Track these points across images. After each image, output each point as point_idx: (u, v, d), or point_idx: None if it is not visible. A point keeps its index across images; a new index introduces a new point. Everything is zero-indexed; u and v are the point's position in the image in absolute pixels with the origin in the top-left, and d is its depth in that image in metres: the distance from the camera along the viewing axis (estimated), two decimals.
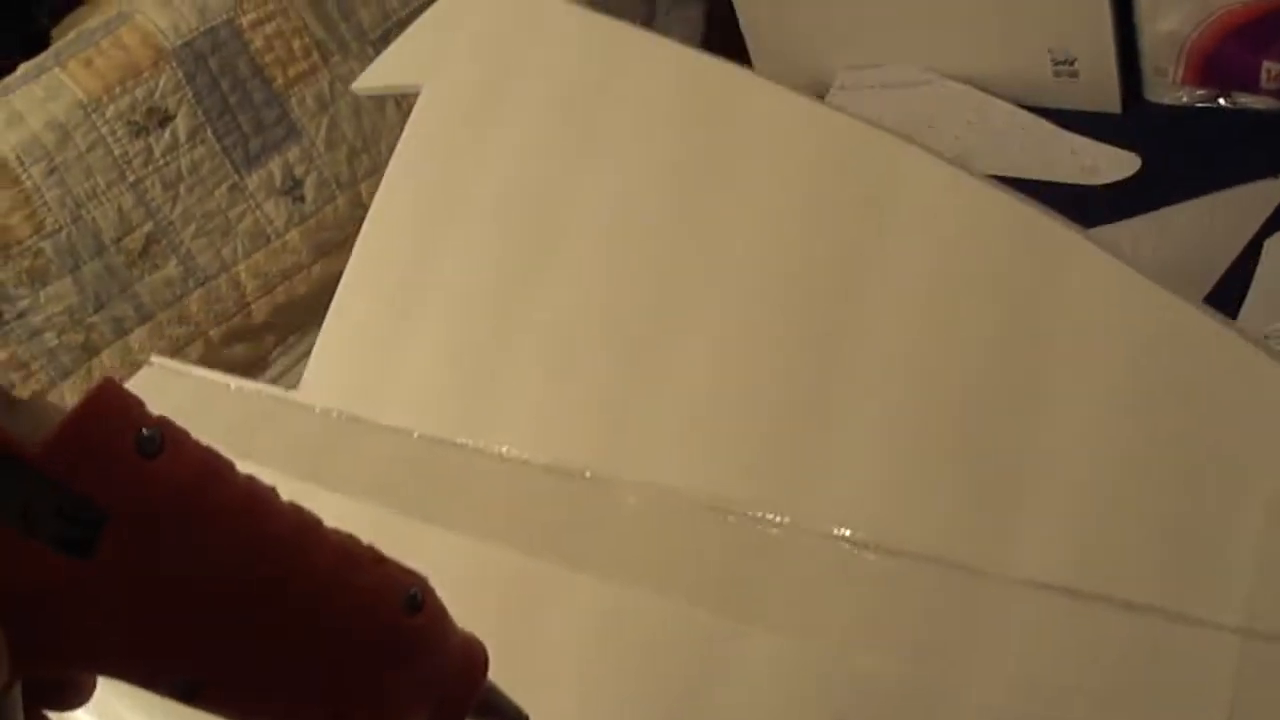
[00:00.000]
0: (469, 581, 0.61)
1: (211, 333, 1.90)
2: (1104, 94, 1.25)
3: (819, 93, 1.43)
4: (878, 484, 0.60)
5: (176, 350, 1.87)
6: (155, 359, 0.94)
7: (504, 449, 0.69)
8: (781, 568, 0.60)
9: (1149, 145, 1.21)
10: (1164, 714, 0.49)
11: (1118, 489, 0.54)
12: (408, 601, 0.40)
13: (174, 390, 0.86)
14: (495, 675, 0.44)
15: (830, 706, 0.55)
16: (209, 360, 1.87)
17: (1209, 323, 0.54)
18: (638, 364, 0.68)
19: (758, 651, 0.58)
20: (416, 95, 0.84)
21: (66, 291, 1.78)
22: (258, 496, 0.37)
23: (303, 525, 0.38)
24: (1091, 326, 0.57)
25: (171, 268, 1.87)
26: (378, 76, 1.00)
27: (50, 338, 1.78)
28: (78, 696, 0.36)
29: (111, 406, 0.34)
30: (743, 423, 0.64)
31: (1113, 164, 1.22)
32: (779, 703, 0.56)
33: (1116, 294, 0.57)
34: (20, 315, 1.75)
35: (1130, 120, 1.26)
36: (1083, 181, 1.21)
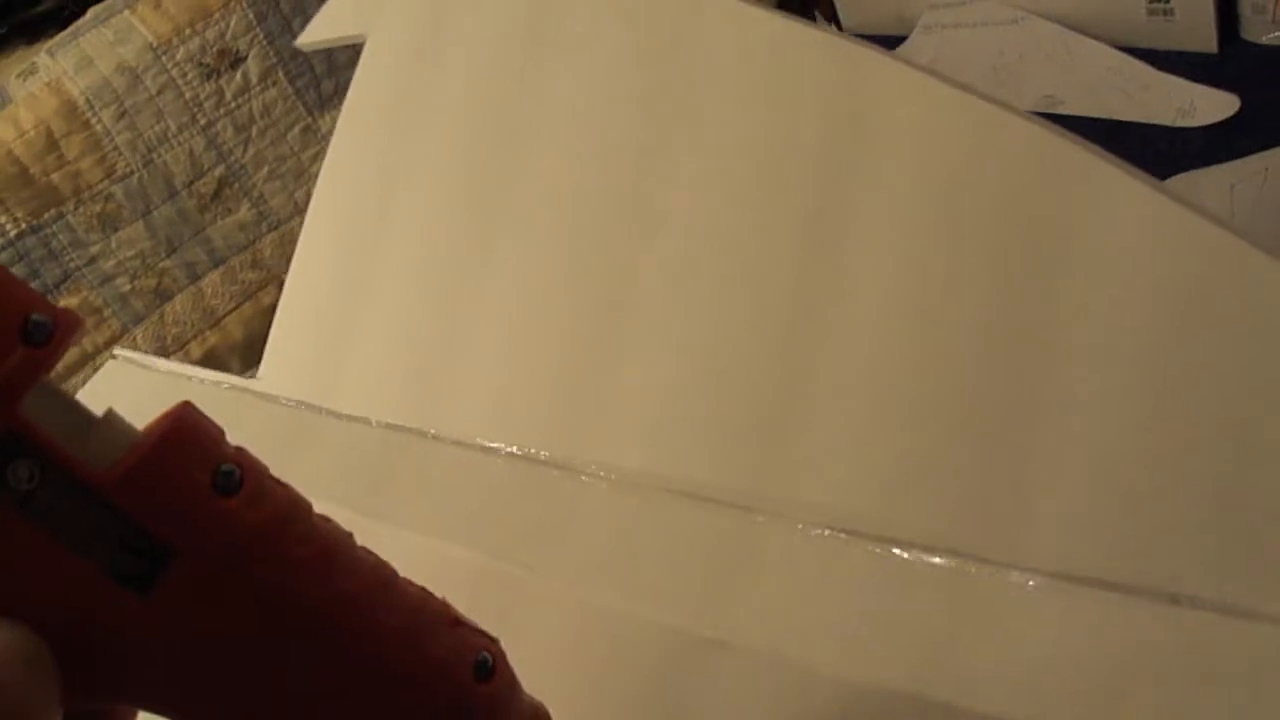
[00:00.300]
0: (433, 580, 0.58)
1: (285, 277, 1.88)
2: (1200, 34, 1.19)
3: (903, 32, 1.38)
4: (869, 464, 0.52)
5: (249, 295, 1.87)
6: (119, 351, 0.91)
7: (465, 436, 0.64)
8: (767, 562, 0.53)
9: (1247, 86, 1.15)
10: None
11: (1150, 462, 0.46)
12: (478, 666, 0.38)
13: (138, 384, 0.83)
14: None
15: None
16: None
17: (1261, 260, 0.45)
18: (602, 337, 0.61)
19: (742, 658, 0.51)
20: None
21: (138, 236, 1.78)
22: (335, 546, 0.35)
23: (378, 581, 0.36)
24: (1117, 267, 0.48)
25: (244, 211, 1.86)
26: (320, 30, 0.94)
27: (122, 283, 1.78)
28: None
29: (191, 436, 0.32)
30: (719, 399, 0.57)
31: (1210, 106, 1.17)
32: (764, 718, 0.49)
33: (1149, 228, 0.48)
34: (91, 261, 1.75)
35: (1227, 60, 1.20)
36: (1179, 124, 1.16)
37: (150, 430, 0.31)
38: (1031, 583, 0.47)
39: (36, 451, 0.27)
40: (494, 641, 0.39)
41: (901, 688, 0.47)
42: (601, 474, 0.59)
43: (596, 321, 0.61)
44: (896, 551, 0.50)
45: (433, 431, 0.66)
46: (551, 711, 0.46)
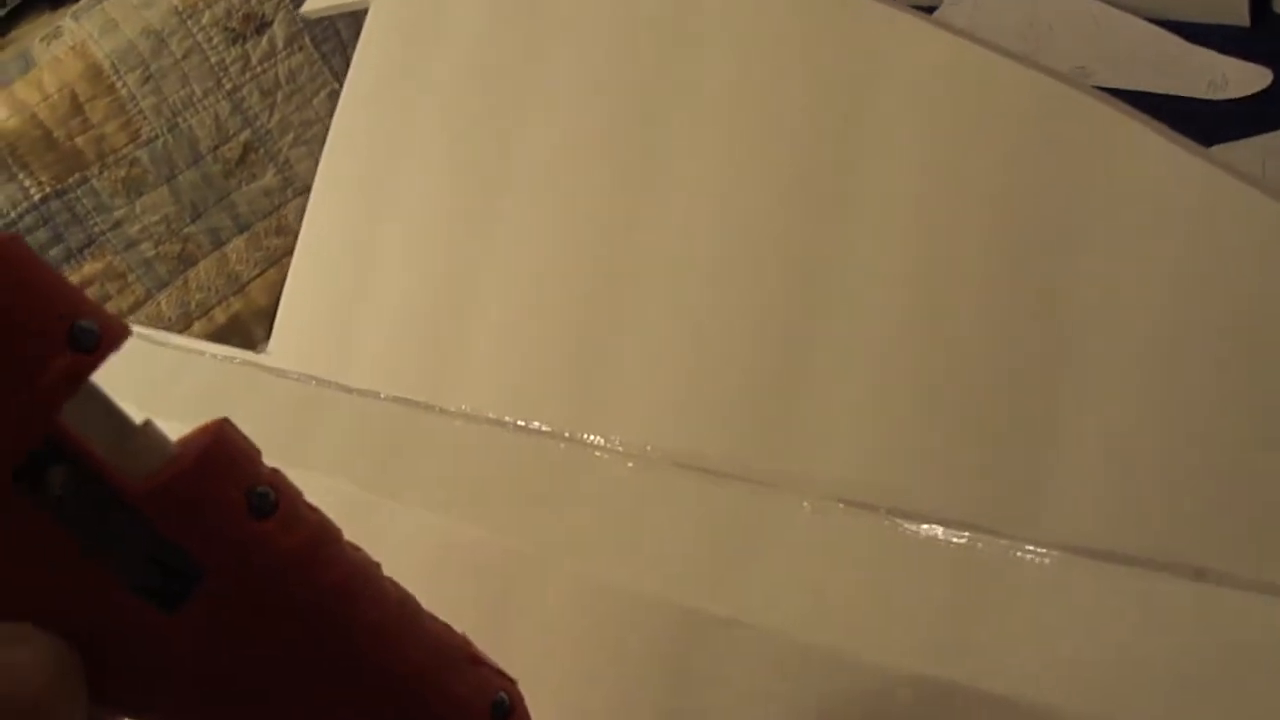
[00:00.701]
0: (440, 556, 0.57)
1: None
2: (1232, 6, 1.18)
3: (933, 3, 1.37)
4: (879, 437, 0.50)
5: (274, 261, 1.87)
6: (132, 326, 0.91)
7: (473, 409, 0.63)
8: (775, 537, 0.51)
9: (1279, 59, 1.14)
10: (1246, 699, 0.41)
11: (1171, 433, 0.44)
12: (495, 707, 0.37)
13: (150, 359, 0.82)
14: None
15: (841, 709, 0.47)
16: None
17: None
18: (610, 310, 0.60)
19: (749, 634, 0.49)
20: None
21: (163, 201, 1.78)
22: (362, 577, 0.34)
23: (404, 613, 0.35)
24: (1138, 228, 0.46)
25: (269, 177, 1.86)
26: None
27: (147, 248, 1.78)
28: None
29: (229, 455, 0.31)
30: (727, 371, 0.55)
31: (1242, 78, 1.16)
32: (775, 707, 0.48)
33: (1172, 186, 0.45)
34: (116, 225, 1.75)
35: (1260, 33, 1.19)
36: (1210, 97, 1.15)
37: (187, 444, 0.30)
38: (1047, 558, 0.46)
39: (74, 458, 0.27)
40: (512, 682, 0.38)
41: (912, 665, 0.46)
42: (609, 447, 0.57)
43: (605, 295, 0.60)
44: (907, 526, 0.49)
45: (441, 405, 0.65)
46: (556, 686, 0.45)
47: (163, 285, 1.78)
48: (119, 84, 1.70)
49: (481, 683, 0.37)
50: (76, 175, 1.71)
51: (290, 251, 1.82)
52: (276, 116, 1.84)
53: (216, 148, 1.80)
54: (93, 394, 0.28)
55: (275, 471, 0.32)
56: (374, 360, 0.70)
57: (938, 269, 0.50)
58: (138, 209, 1.76)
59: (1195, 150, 0.45)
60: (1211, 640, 0.42)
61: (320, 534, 0.33)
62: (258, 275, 1.87)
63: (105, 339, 0.27)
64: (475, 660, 0.37)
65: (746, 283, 0.56)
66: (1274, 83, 1.12)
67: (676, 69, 0.60)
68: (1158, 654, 0.43)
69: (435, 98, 0.72)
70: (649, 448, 0.56)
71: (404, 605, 0.35)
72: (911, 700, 0.45)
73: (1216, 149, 1.07)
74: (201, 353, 0.82)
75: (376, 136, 0.76)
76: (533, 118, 0.65)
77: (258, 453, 0.32)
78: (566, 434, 0.59)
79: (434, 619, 0.36)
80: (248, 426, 0.54)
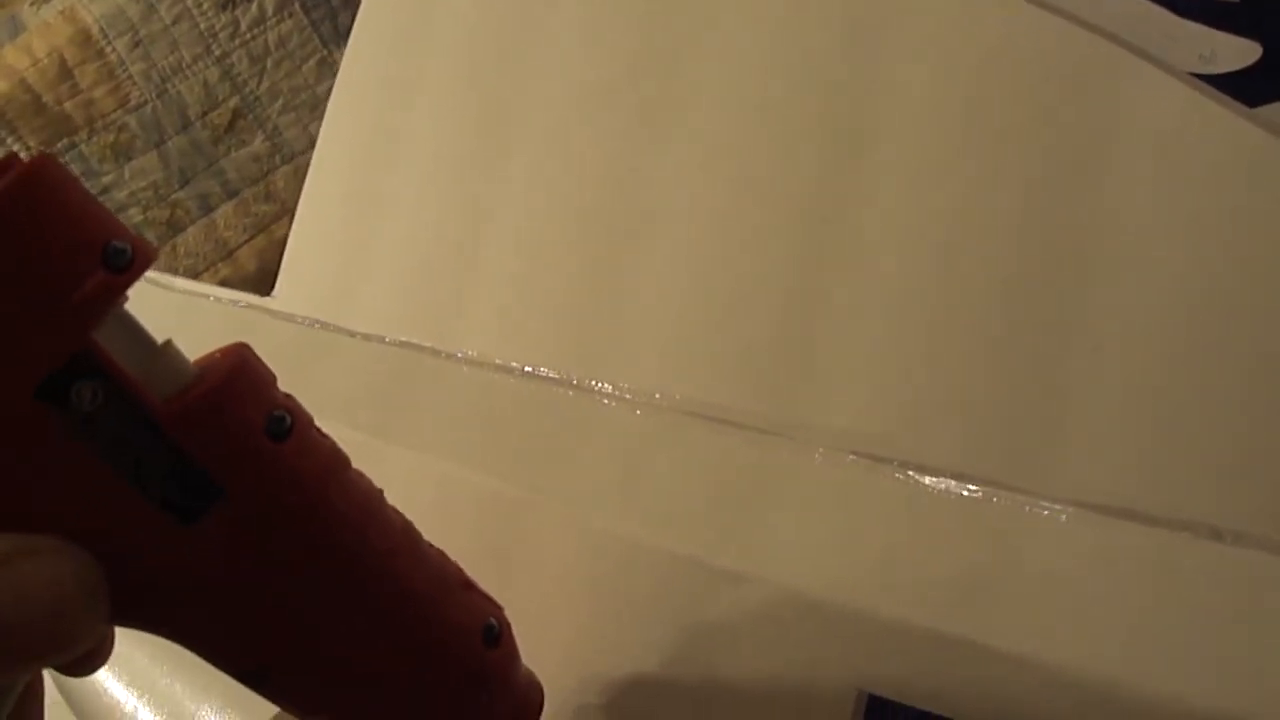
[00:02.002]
0: (443, 502, 0.57)
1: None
2: None
3: None
4: (894, 387, 0.49)
5: (262, 227, 1.86)
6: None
7: (479, 354, 0.62)
8: (786, 488, 0.50)
9: (1269, 33, 1.15)
10: (1262, 660, 0.41)
11: (1192, 388, 0.44)
12: (486, 632, 0.39)
13: (157, 302, 0.82)
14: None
15: (851, 666, 0.46)
16: None
17: None
18: (618, 255, 0.59)
19: (758, 588, 0.49)
20: None
21: (152, 166, 1.77)
22: (370, 503, 0.36)
23: (407, 541, 0.37)
24: (1157, 176, 0.45)
25: (258, 143, 1.86)
26: None
27: (135, 214, 1.78)
28: (101, 659, 0.34)
29: (250, 379, 0.32)
30: (738, 318, 0.54)
31: (1231, 53, 1.17)
32: (781, 659, 0.48)
33: (1192, 133, 0.44)
34: (105, 190, 1.74)
35: (1249, 7, 1.20)
36: (1199, 71, 1.15)
37: (207, 366, 0.31)
38: (1062, 514, 0.45)
39: (104, 374, 0.28)
40: (500, 609, 0.40)
41: (926, 621, 0.45)
42: (617, 394, 0.57)
43: (612, 239, 0.59)
44: (922, 479, 0.48)
45: (446, 350, 0.64)
46: (559, 638, 0.46)
47: None
48: (108, 49, 1.70)
49: (474, 608, 0.39)
50: (65, 140, 1.71)
51: (278, 218, 1.83)
52: (266, 83, 1.83)
53: (205, 114, 1.80)
54: (122, 314, 0.29)
55: (289, 396, 0.33)
56: (380, 305, 0.69)
57: (954, 219, 0.50)
58: (126, 174, 1.76)
59: (1226, 103, 0.45)
60: (1228, 600, 0.42)
61: (333, 460, 0.34)
62: (246, 241, 1.86)
63: (137, 259, 0.28)
64: (468, 586, 0.39)
65: (760, 230, 0.55)
66: (1263, 57, 1.13)
67: (690, 13, 0.59)
68: (1172, 613, 0.43)
69: (446, 41, 0.71)
70: (657, 395, 0.55)
71: (407, 532, 0.37)
72: (923, 655, 0.45)
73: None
74: (207, 296, 0.81)
75: (386, 80, 0.75)
76: (544, 61, 0.65)
77: (274, 377, 0.33)
78: (574, 381, 0.58)
79: (431, 546, 0.38)
80: None
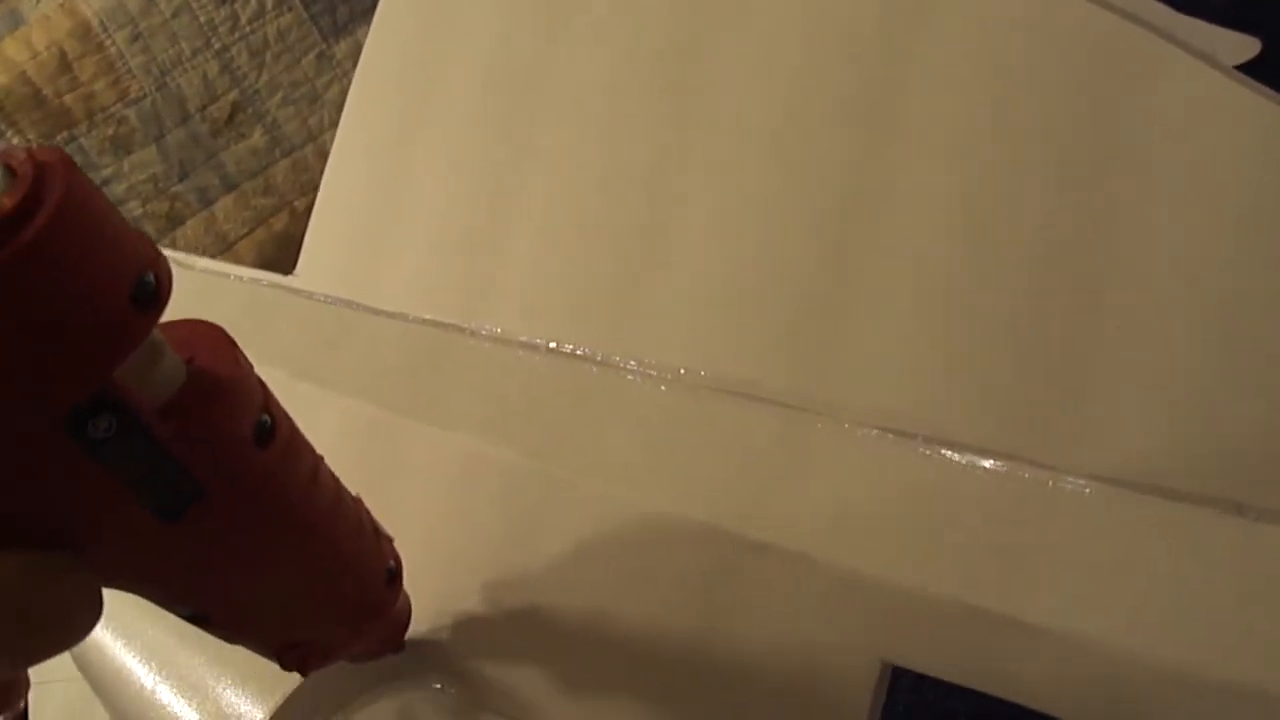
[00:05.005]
0: (468, 478, 0.57)
1: (296, 203, 1.88)
2: None
3: None
4: (920, 363, 0.50)
5: (261, 220, 1.86)
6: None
7: (505, 332, 0.62)
8: (813, 463, 0.50)
9: (1269, 28, 1.14)
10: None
11: (1217, 364, 0.44)
12: (388, 574, 0.45)
13: (177, 284, 0.82)
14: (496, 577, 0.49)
15: (875, 639, 0.46)
16: (294, 231, 1.86)
17: None
18: (645, 232, 0.59)
19: (785, 561, 0.49)
20: None
21: (151, 160, 1.77)
22: (319, 476, 0.38)
23: (338, 495, 0.40)
24: (1184, 156, 0.45)
25: (257, 137, 1.85)
26: None
27: (134, 207, 1.77)
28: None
29: (240, 389, 0.33)
30: (765, 294, 0.54)
31: (1231, 48, 1.16)
32: (806, 632, 0.48)
33: (1220, 116, 0.44)
34: (104, 184, 1.74)
35: (1249, 3, 1.19)
36: None
37: (200, 372, 0.32)
38: (1087, 489, 0.45)
39: (120, 408, 0.28)
40: (397, 554, 0.46)
41: (949, 594, 0.45)
42: (643, 371, 0.57)
43: (640, 215, 0.59)
44: (948, 454, 0.48)
45: (472, 327, 0.64)
46: (584, 609, 0.47)
47: None
48: (108, 42, 1.69)
49: (381, 553, 0.44)
50: (65, 133, 1.71)
51: (277, 211, 1.83)
52: (265, 77, 1.83)
53: (205, 107, 1.79)
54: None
55: (268, 394, 0.35)
56: (405, 282, 0.69)
57: (985, 196, 0.50)
58: (126, 167, 1.75)
59: (1258, 89, 0.45)
60: (1251, 575, 0.42)
61: (300, 456, 0.37)
62: (245, 235, 1.86)
63: (161, 291, 0.28)
64: (377, 533, 0.44)
65: (788, 207, 0.55)
66: (1264, 52, 1.13)
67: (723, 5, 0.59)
68: (1196, 587, 0.43)
69: (475, 17, 0.70)
70: (683, 371, 0.55)
71: (338, 494, 0.40)
72: (947, 627, 0.45)
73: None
74: (228, 275, 0.81)
75: (412, 57, 0.75)
76: (576, 39, 0.64)
77: (263, 383, 0.35)
78: (600, 357, 0.58)
79: (350, 495, 0.42)
80: (275, 348, 0.55)
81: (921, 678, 0.46)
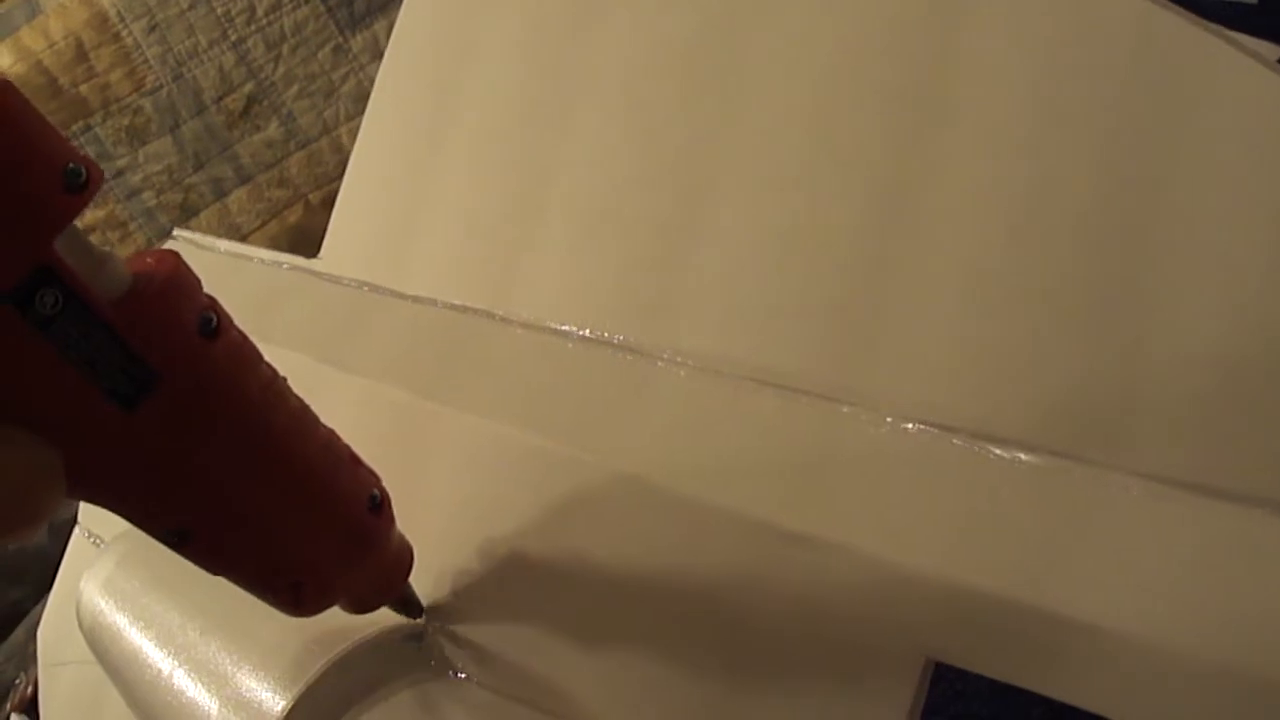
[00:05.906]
0: (496, 465, 0.57)
1: (311, 196, 1.88)
2: None
3: None
4: (962, 356, 0.49)
5: (275, 213, 1.86)
6: (178, 232, 0.91)
7: (535, 318, 0.61)
8: (852, 456, 0.50)
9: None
10: None
11: (1267, 364, 0.43)
12: (371, 500, 0.46)
13: (198, 264, 0.82)
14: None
15: (918, 634, 0.45)
16: (308, 224, 1.86)
17: None
18: (680, 217, 0.57)
19: (823, 553, 0.48)
20: None
21: (166, 150, 1.77)
22: (277, 387, 0.41)
23: (306, 419, 0.43)
24: (1233, 153, 0.44)
25: (273, 129, 1.85)
26: None
27: (149, 197, 1.77)
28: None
29: (183, 283, 0.37)
30: (803, 283, 0.53)
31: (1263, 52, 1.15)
32: (855, 629, 0.47)
33: (1270, 112, 0.43)
34: (119, 174, 1.74)
35: (1267, 9, 1.19)
36: None
37: (142, 272, 0.36)
38: (1134, 487, 0.44)
39: (62, 282, 0.32)
40: (382, 484, 0.47)
41: (993, 590, 0.44)
42: (678, 359, 0.55)
43: (676, 201, 0.58)
44: (990, 449, 0.47)
45: (501, 313, 0.63)
46: (614, 601, 0.47)
47: (164, 234, 1.77)
48: (124, 32, 1.69)
49: (360, 480, 0.46)
50: (80, 123, 1.71)
51: (291, 204, 1.82)
52: (281, 69, 1.82)
53: (220, 98, 1.79)
54: (74, 229, 0.32)
55: (213, 299, 0.38)
56: (432, 267, 0.68)
57: (1030, 189, 0.48)
58: (140, 158, 1.75)
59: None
60: None
61: (248, 353, 0.40)
62: (259, 226, 1.86)
63: (91, 180, 0.31)
64: (355, 462, 0.46)
65: (829, 196, 0.53)
66: None
67: None
68: (1242, 587, 0.42)
69: (502, 2, 0.70)
70: (719, 361, 0.54)
71: (304, 412, 0.43)
72: (990, 624, 0.44)
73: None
74: (249, 258, 0.81)
75: (442, 37, 0.74)
76: (611, 21, 0.63)
77: (200, 282, 0.38)
78: (633, 345, 0.57)
79: (324, 426, 0.44)
80: (298, 331, 0.57)
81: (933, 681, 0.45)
